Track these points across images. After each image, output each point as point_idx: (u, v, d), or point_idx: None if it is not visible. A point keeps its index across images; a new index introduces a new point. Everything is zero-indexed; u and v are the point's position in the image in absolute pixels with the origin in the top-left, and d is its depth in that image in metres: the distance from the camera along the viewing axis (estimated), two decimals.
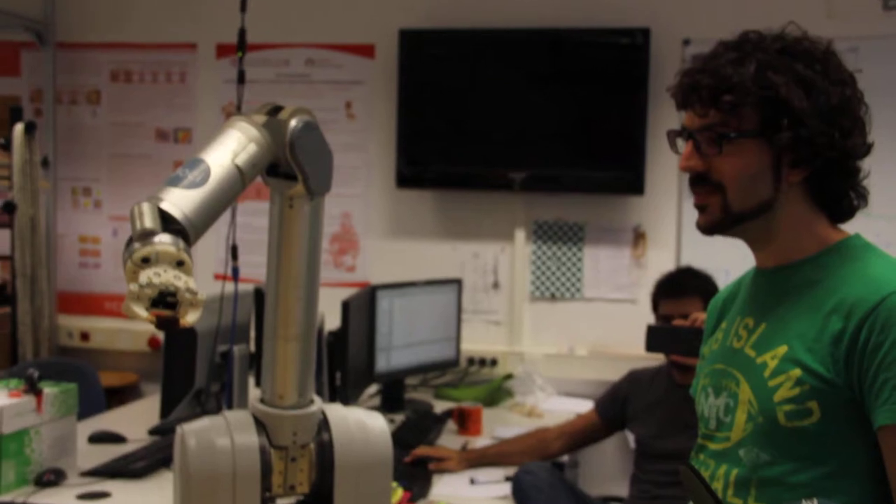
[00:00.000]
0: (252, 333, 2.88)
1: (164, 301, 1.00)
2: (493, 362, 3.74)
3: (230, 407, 2.55)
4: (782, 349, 1.29)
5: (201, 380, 2.64)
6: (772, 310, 1.34)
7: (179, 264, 1.02)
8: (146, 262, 1.00)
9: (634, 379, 2.93)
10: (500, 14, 3.70)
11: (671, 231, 3.61)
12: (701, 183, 1.33)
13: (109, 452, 2.51)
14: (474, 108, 3.69)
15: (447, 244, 3.82)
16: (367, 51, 3.85)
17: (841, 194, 1.34)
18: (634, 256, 3.69)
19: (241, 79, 2.36)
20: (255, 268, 3.77)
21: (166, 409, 2.59)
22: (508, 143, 3.66)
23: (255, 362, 2.71)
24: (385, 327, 3.25)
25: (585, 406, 3.25)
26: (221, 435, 1.21)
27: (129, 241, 1.03)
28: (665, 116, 3.45)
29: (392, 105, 3.77)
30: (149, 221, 1.03)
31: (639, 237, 3.68)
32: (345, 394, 2.95)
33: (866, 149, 1.34)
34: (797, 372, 1.26)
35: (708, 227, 1.35)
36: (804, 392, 1.25)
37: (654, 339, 2.34)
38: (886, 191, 3.40)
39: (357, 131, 3.82)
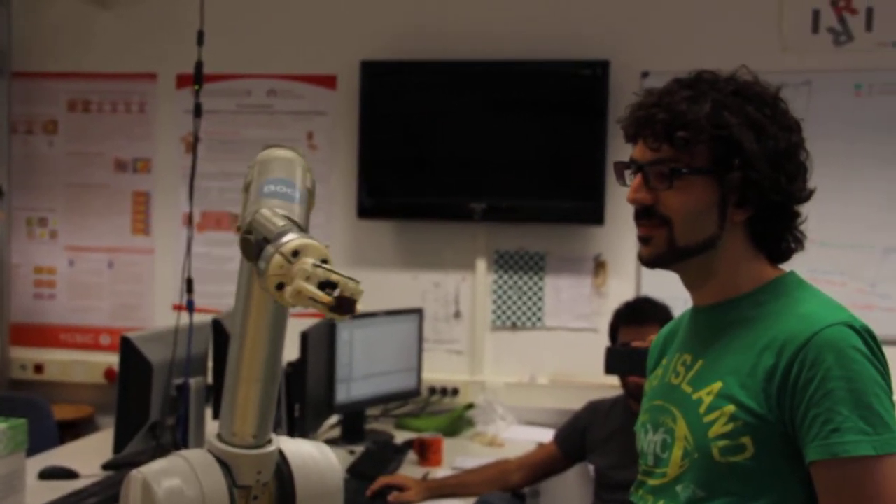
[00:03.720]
0: (210, 364, 2.84)
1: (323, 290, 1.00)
2: (455, 392, 3.72)
3: (186, 441, 2.50)
4: (717, 385, 1.30)
5: (156, 413, 2.58)
6: (709, 346, 1.35)
7: (323, 262, 1.03)
8: (296, 255, 1.01)
9: (593, 409, 2.91)
10: (461, 46, 3.71)
11: (631, 260, 3.60)
12: (647, 216, 1.34)
13: (60, 489, 2.44)
14: (436, 139, 3.69)
15: (408, 274, 3.80)
16: (328, 81, 3.84)
17: (780, 236, 1.36)
18: (595, 285, 3.69)
19: (198, 112, 2.33)
20: (213, 298, 3.76)
21: (120, 443, 2.53)
22: (470, 174, 3.66)
23: (212, 394, 2.67)
24: (345, 358, 3.22)
25: (547, 435, 3.21)
26: (188, 481, 1.17)
27: (258, 245, 1.04)
28: (624, 147, 3.42)
29: (353, 135, 3.75)
30: (280, 221, 1.05)
31: (599, 266, 3.68)
32: (304, 426, 2.91)
33: (807, 194, 1.36)
34: (731, 408, 1.27)
35: (651, 260, 1.36)
36: (738, 428, 1.25)
37: (613, 360, 2.32)
38: (836, 220, 3.45)
39: (319, 161, 3.80)
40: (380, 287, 3.76)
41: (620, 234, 3.60)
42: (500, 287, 3.76)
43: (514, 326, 3.76)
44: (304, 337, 2.95)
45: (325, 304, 0.99)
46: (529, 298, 3.74)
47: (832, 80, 3.47)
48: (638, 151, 1.36)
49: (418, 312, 3.55)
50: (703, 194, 1.31)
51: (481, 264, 3.76)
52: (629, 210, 1.38)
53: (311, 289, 0.99)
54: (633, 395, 2.72)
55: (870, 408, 1.20)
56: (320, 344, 3.12)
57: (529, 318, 3.74)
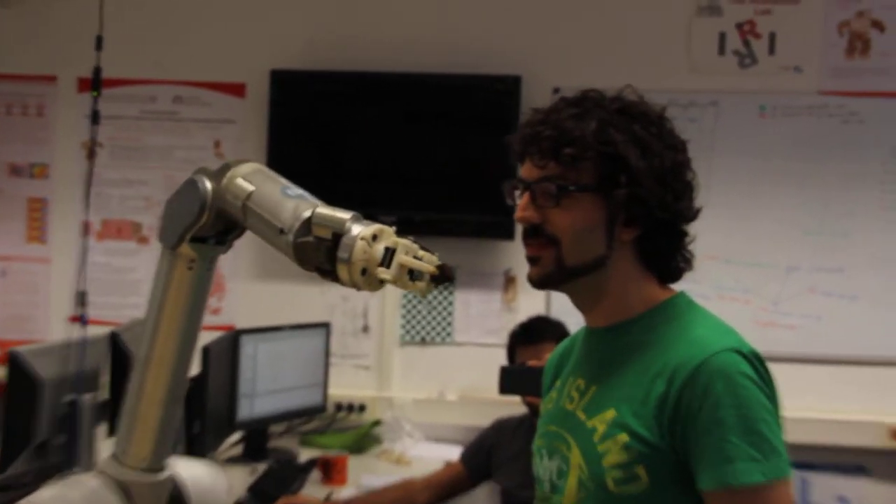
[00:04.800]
0: (105, 380, 2.72)
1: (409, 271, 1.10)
2: (362, 408, 3.69)
3: (75, 461, 2.39)
4: (610, 413, 1.29)
5: (44, 431, 2.46)
6: (601, 371, 1.35)
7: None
8: (374, 239, 1.09)
9: (500, 427, 2.91)
10: (374, 57, 3.69)
11: None
12: (535, 235, 1.33)
13: None
14: (347, 150, 3.68)
15: (316, 287, 3.71)
16: (237, 90, 3.78)
17: (668, 255, 1.36)
18: (505, 301, 3.70)
19: (96, 119, 2.25)
20: (112, 309, 3.66)
21: (5, 462, 2.39)
22: (381, 186, 3.65)
23: (108, 412, 2.57)
24: (248, 373, 3.17)
25: (455, 452, 3.19)
26: None
27: (332, 239, 1.11)
28: None
29: (262, 145, 3.70)
30: (343, 213, 1.12)
31: (509, 281, 3.68)
32: (203, 443, 2.83)
33: (694, 213, 1.36)
34: (624, 437, 1.26)
35: (540, 280, 1.35)
36: (631, 457, 1.25)
37: (508, 380, 2.29)
38: (741, 238, 3.51)
39: None
40: (286, 300, 3.72)
41: None
42: (409, 301, 3.75)
43: (423, 341, 3.75)
44: (206, 351, 2.89)
45: (430, 273, 1.09)
46: (439, 313, 3.74)
47: (738, 101, 3.54)
48: (525, 170, 1.36)
49: (325, 326, 3.51)
50: (590, 212, 1.31)
51: None
52: None
53: (415, 260, 1.09)
54: (537, 414, 2.70)
55: (759, 434, 1.20)
56: (223, 358, 3.05)
57: (439, 333, 3.74)
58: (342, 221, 1.11)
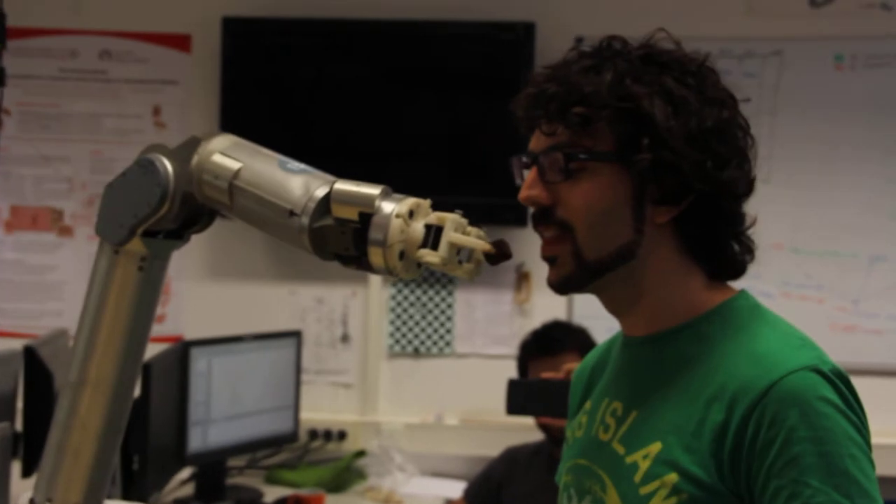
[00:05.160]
0: (19, 405, 2.72)
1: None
2: (342, 436, 3.70)
3: None
4: (656, 447, 1.27)
5: None
6: (643, 393, 1.34)
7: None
8: (411, 216, 1.16)
9: (511, 459, 2.92)
10: (350, 1, 3.69)
11: None
12: (545, 221, 1.31)
13: None
14: (318, 118, 3.67)
15: (283, 287, 3.77)
16: (181, 42, 3.78)
17: (720, 243, 1.34)
18: (517, 302, 3.70)
19: (2, 80, 2.23)
20: (27, 318, 3.66)
21: None
22: (360, 162, 3.58)
23: (22, 445, 2.57)
24: (201, 395, 3.18)
25: (456, 489, 3.23)
26: None
27: (361, 219, 1.17)
28: None
29: (213, 112, 3.70)
30: (369, 188, 1.18)
31: (522, 278, 3.67)
32: (144, 484, 2.83)
33: (748, 185, 1.33)
34: (673, 477, 1.24)
35: (561, 284, 1.33)
36: (682, 502, 1.23)
37: (518, 397, 2.27)
38: (812, 221, 3.50)
39: (167, 144, 3.71)
40: (247, 304, 3.74)
41: None
42: (398, 304, 3.75)
43: (416, 353, 3.75)
44: (147, 369, 2.88)
45: (487, 251, 1.17)
46: (436, 318, 3.74)
47: (808, 50, 3.53)
48: (533, 141, 1.34)
49: (296, 336, 3.52)
50: (609, 188, 1.28)
51: (375, 276, 3.64)
52: None
53: (469, 238, 1.16)
54: (556, 440, 2.73)
55: (845, 474, 1.18)
56: (168, 377, 3.05)
57: (436, 343, 3.74)
58: (371, 198, 1.16)
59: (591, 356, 1.53)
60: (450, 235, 1.15)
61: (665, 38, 1.34)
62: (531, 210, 1.34)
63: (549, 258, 1.33)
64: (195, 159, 1.26)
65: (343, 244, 1.18)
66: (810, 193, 3.48)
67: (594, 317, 3.16)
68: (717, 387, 1.24)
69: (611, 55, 1.31)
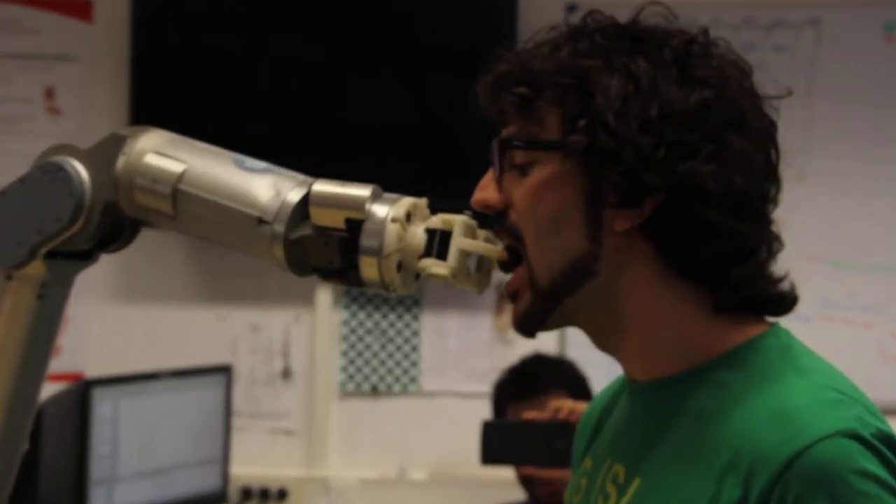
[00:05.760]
0: None
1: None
2: (282, 495, 3.71)
3: None
4: None
5: None
6: (647, 456, 1.31)
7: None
8: (409, 219, 1.20)
9: None
10: None
11: None
12: (491, 224, 1.30)
13: None
14: (256, 103, 3.71)
15: (209, 311, 3.78)
16: (80, 9, 3.78)
17: (708, 258, 1.27)
18: (498, 327, 3.73)
19: None
20: None
21: None
22: (304, 155, 3.46)
23: None
24: (106, 446, 3.14)
25: None
26: None
27: (347, 227, 1.20)
28: None
29: (121, 96, 3.70)
30: (356, 189, 1.22)
31: (504, 299, 3.66)
32: None
33: (742, 186, 1.27)
34: None
35: (521, 322, 1.31)
36: None
37: (495, 442, 2.29)
38: (857, 229, 3.51)
39: (63, 135, 3.67)
40: (164, 332, 3.75)
41: None
42: (353, 331, 3.77)
43: (374, 391, 3.77)
44: (38, 414, 2.79)
45: (501, 259, 1.23)
46: (399, 348, 3.75)
47: (851, 19, 3.54)
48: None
49: (225, 371, 3.51)
50: (558, 184, 1.26)
51: (324, 296, 3.74)
52: None
53: (481, 244, 1.21)
54: (538, 499, 2.75)
55: None
56: (64, 424, 3.03)
57: (398, 379, 3.75)
58: (360, 201, 1.19)
59: (602, 396, 1.52)
60: (460, 242, 1.19)
61: (659, 12, 1.33)
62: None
63: (510, 294, 1.31)
64: (121, 161, 1.25)
65: (326, 256, 1.20)
66: (853, 194, 3.49)
67: (591, 346, 3.19)
68: (732, 454, 1.21)
69: (581, 31, 1.30)
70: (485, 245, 1.22)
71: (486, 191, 1.30)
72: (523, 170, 1.27)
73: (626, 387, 1.42)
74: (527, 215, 1.26)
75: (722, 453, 1.22)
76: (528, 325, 1.31)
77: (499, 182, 1.30)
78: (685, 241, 1.27)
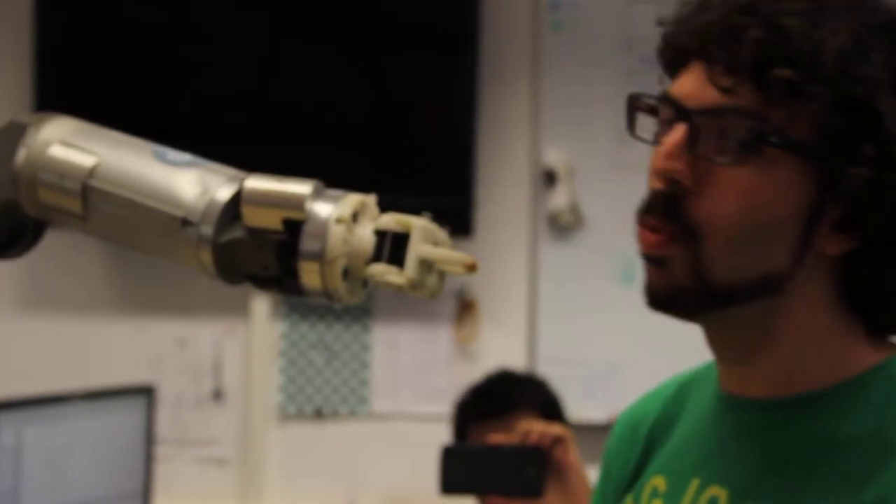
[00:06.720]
0: None
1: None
2: None
3: None
4: None
5: None
6: (764, 482, 1.29)
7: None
8: (355, 219, 1.16)
9: None
10: None
11: (520, 298, 3.67)
12: (666, 214, 1.24)
13: None
14: (183, 83, 3.68)
15: (128, 323, 3.74)
16: None
17: (891, 291, 1.30)
18: (459, 341, 3.73)
19: None
20: None
21: None
22: (243, 144, 3.55)
23: None
24: (6, 480, 3.01)
25: None
26: None
27: (286, 229, 1.16)
28: (510, 99, 3.62)
29: (22, 77, 3.65)
30: (297, 185, 1.16)
31: (465, 308, 3.70)
32: None
33: None
34: None
35: (668, 295, 1.27)
36: None
37: (457, 469, 2.32)
38: None
39: None
40: (75, 347, 3.71)
41: (500, 252, 3.64)
42: (293, 345, 3.76)
43: (318, 414, 3.76)
44: None
45: (468, 265, 1.16)
46: (346, 364, 3.75)
47: None
48: (686, 86, 1.26)
49: (146, 393, 3.39)
50: (786, 190, 1.22)
51: (260, 306, 3.73)
52: (517, 211, 1.29)
53: (444, 251, 1.14)
54: None
55: None
56: None
57: (346, 399, 3.75)
58: (299, 199, 1.14)
59: (650, 405, 1.50)
60: (420, 249, 1.13)
61: None
62: (649, 192, 1.28)
63: (656, 258, 1.27)
64: (22, 153, 1.20)
65: (260, 262, 1.15)
66: None
67: (564, 362, 3.09)
68: (883, 489, 1.20)
69: (840, 4, 1.25)
70: (448, 253, 1.15)
71: (672, 161, 1.25)
72: (744, 152, 1.22)
73: (689, 397, 1.45)
74: (728, 216, 1.23)
75: (869, 487, 1.22)
76: (673, 301, 1.29)
77: (693, 154, 1.24)
78: (879, 272, 1.29)
